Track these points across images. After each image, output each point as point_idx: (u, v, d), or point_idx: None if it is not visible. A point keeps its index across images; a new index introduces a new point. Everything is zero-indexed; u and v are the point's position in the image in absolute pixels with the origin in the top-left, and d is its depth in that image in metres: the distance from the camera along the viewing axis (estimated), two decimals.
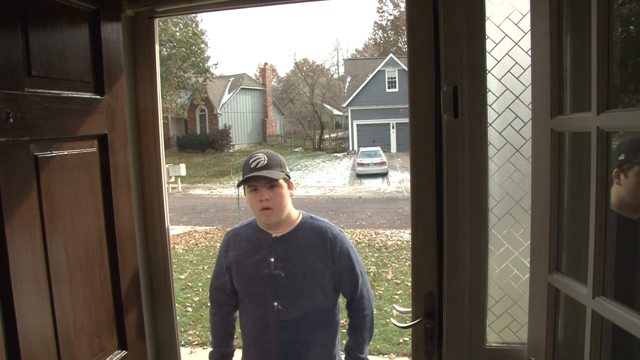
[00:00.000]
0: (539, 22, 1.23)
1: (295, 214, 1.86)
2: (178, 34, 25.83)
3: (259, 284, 1.81)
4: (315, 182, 20.56)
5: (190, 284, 6.87)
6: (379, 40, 40.70)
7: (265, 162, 1.76)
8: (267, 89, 33.61)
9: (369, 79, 28.61)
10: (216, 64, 37.30)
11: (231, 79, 32.09)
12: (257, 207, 1.77)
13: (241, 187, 1.81)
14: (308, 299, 1.80)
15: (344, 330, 1.95)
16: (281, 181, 1.76)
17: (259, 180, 1.75)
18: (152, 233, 1.90)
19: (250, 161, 1.78)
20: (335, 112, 37.35)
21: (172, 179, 17.98)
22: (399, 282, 6.68)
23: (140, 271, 1.78)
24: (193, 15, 25.65)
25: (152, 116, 1.86)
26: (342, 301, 1.93)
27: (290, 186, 1.83)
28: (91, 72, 1.50)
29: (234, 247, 1.88)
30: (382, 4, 40.00)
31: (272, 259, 1.79)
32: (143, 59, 1.84)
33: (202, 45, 27.58)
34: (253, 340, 1.86)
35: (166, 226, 1.92)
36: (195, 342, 4.96)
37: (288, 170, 1.83)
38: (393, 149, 27.58)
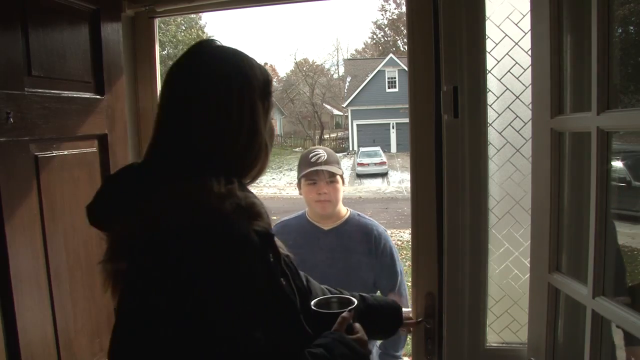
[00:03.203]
0: (539, 22, 1.23)
1: (344, 210, 1.96)
2: (182, 34, 25.78)
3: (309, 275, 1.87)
4: None
5: None
6: (379, 40, 40.70)
7: (325, 157, 1.89)
8: None
9: (369, 79, 28.60)
10: None
11: None
12: (313, 198, 1.89)
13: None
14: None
15: None
16: (338, 177, 1.91)
17: (319, 175, 1.87)
18: None
19: (310, 156, 1.91)
20: (335, 112, 37.33)
21: None
22: None
23: None
24: (196, 16, 25.64)
25: (152, 116, 1.86)
26: None
27: (343, 182, 1.95)
28: (91, 72, 1.50)
29: (281, 238, 1.92)
30: (385, 3, 39.91)
31: (322, 253, 1.89)
32: (143, 59, 1.83)
33: None
34: None
35: None
36: None
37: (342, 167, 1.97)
38: (393, 149, 27.56)
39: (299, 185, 1.97)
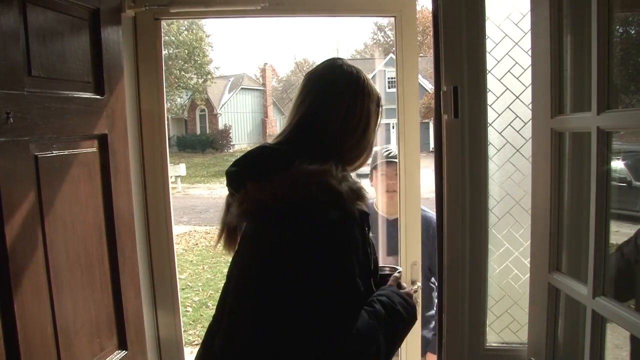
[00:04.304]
0: (539, 22, 1.23)
1: None
2: (183, 35, 25.73)
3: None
4: None
5: (190, 284, 6.87)
6: (379, 40, 40.69)
7: (396, 153, 2.07)
8: (267, 89, 33.55)
9: None
10: (218, 68, 36.76)
11: (231, 79, 32.03)
12: (383, 189, 2.16)
13: None
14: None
15: None
16: None
17: (390, 167, 2.11)
18: (157, 233, 1.90)
19: (383, 151, 2.19)
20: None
21: (172, 179, 17.96)
22: None
23: (142, 271, 1.78)
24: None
25: (157, 117, 1.85)
26: None
27: None
28: (91, 72, 1.50)
29: None
30: None
31: (384, 240, 2.10)
32: (148, 59, 1.82)
33: (206, 49, 27.49)
34: None
35: (171, 226, 1.93)
36: (195, 342, 4.96)
37: None
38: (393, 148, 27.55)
39: (370, 177, 2.22)
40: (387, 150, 2.18)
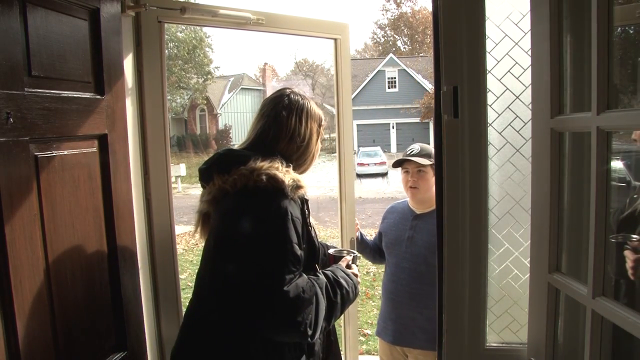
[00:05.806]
0: (539, 22, 1.23)
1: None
2: (182, 34, 25.69)
3: (396, 249, 2.28)
4: (315, 182, 20.49)
5: (190, 284, 6.86)
6: (379, 40, 40.65)
7: (418, 151, 2.23)
8: (267, 89, 33.52)
9: (369, 79, 28.57)
10: (218, 67, 36.55)
11: (231, 79, 32.02)
12: (406, 185, 2.29)
13: None
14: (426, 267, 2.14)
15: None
16: (428, 167, 2.18)
17: (410, 164, 2.23)
18: (159, 232, 1.90)
19: (407, 149, 2.31)
20: (336, 112, 37.23)
21: (173, 179, 17.92)
22: None
23: (144, 270, 1.78)
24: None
25: (160, 118, 1.85)
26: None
27: (434, 173, 2.15)
28: (91, 72, 1.50)
29: (387, 217, 2.44)
30: (386, 2, 39.87)
31: (408, 234, 2.25)
32: (150, 61, 1.81)
33: (207, 50, 27.46)
34: (385, 292, 2.35)
35: (173, 226, 1.93)
36: None
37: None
38: (393, 149, 27.55)
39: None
40: (411, 149, 2.27)
